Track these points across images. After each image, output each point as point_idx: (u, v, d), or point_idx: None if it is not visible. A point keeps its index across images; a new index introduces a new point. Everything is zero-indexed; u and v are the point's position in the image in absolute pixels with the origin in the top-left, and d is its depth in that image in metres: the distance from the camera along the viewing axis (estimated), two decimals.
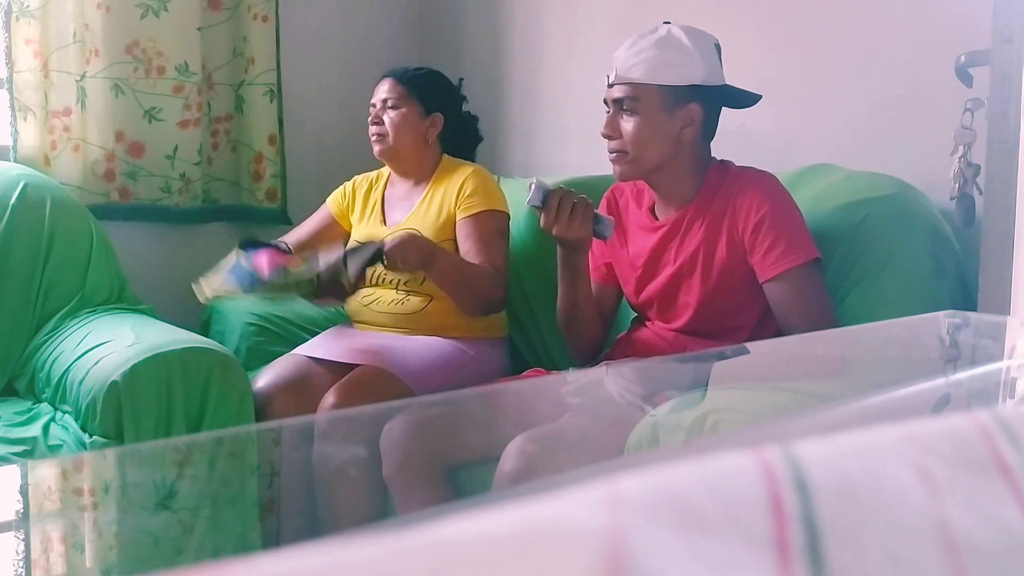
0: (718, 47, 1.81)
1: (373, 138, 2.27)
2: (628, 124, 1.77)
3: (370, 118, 2.29)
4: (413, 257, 1.98)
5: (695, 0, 2.36)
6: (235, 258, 2.03)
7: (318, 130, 2.96)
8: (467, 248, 2.15)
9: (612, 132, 1.79)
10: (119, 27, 2.57)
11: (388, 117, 2.26)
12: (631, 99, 1.77)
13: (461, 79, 2.46)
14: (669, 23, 1.80)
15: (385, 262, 1.97)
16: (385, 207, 2.32)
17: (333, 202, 2.39)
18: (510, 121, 2.90)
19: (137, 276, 2.47)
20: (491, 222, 2.19)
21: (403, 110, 2.25)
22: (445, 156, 2.32)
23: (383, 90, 2.29)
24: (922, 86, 1.95)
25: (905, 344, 1.09)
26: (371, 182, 2.38)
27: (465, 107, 2.43)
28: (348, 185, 2.40)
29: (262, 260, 2.02)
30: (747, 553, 0.33)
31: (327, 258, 1.98)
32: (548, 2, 2.78)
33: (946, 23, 1.89)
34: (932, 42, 1.92)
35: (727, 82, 1.83)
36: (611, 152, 1.81)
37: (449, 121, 2.31)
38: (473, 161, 2.41)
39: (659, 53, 1.76)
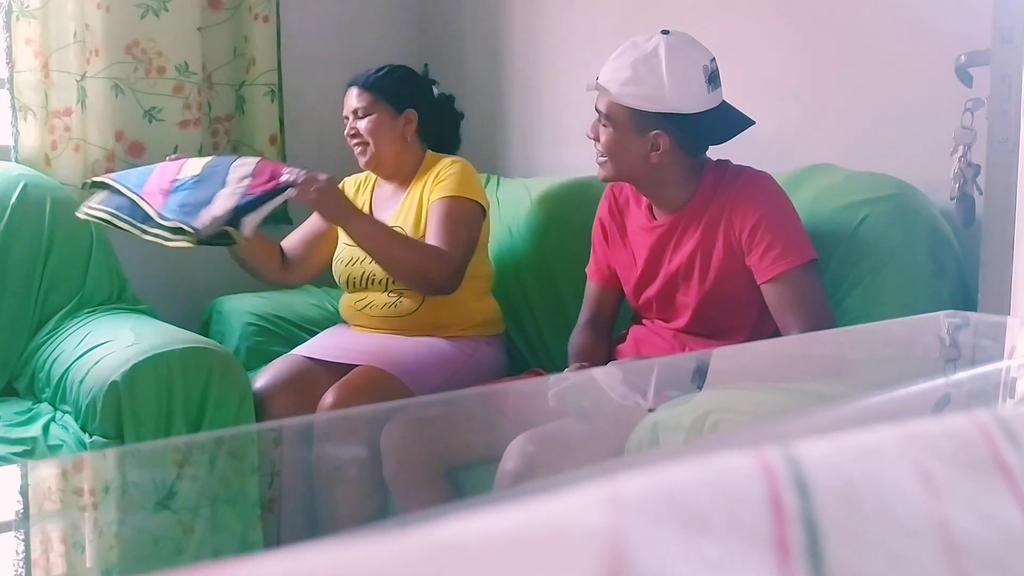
0: (708, 69, 1.75)
1: (356, 151, 2.25)
2: (603, 134, 1.80)
3: (345, 131, 2.26)
4: (331, 201, 2.00)
5: (696, 1, 2.36)
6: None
7: (319, 130, 2.95)
8: (429, 229, 2.13)
9: (593, 135, 1.82)
10: (119, 27, 2.57)
11: (362, 126, 2.23)
12: (604, 113, 1.79)
13: (426, 64, 2.41)
14: (667, 33, 1.76)
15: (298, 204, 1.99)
16: (373, 208, 2.31)
17: None
18: (510, 121, 2.90)
19: (137, 276, 2.46)
20: (457, 207, 2.14)
21: (374, 116, 2.22)
22: (429, 152, 2.30)
23: (351, 100, 2.25)
24: (922, 86, 1.95)
25: (905, 344, 1.09)
26: (359, 184, 2.37)
27: (438, 90, 2.37)
28: (341, 188, 2.40)
29: (153, 188, 2.00)
30: (747, 553, 0.33)
31: (213, 210, 1.92)
32: (548, 2, 2.78)
33: (946, 23, 1.89)
34: (932, 42, 1.91)
35: (732, 96, 1.81)
36: (595, 152, 1.84)
37: (423, 113, 2.28)
38: (459, 141, 2.39)
39: (632, 75, 1.74)
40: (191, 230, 1.89)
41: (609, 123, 1.78)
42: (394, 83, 2.26)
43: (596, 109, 1.81)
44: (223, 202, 1.93)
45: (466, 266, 2.14)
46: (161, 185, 2.01)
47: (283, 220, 2.83)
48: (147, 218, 1.97)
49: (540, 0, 2.80)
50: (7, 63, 2.48)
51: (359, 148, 2.24)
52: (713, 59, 1.77)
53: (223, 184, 1.98)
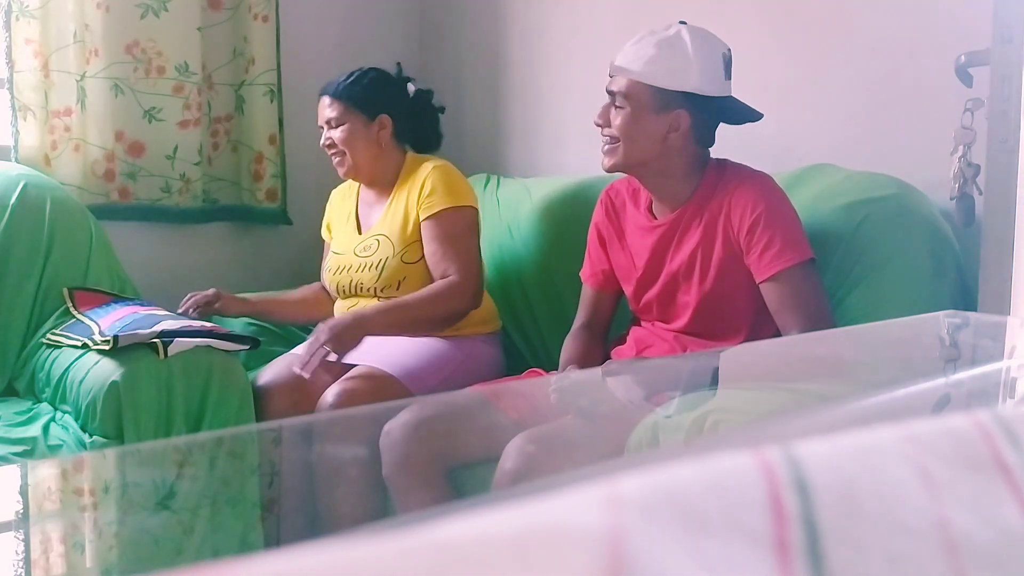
0: (726, 57, 1.78)
1: (334, 161, 2.26)
2: (617, 117, 1.78)
3: (321, 142, 2.26)
4: (346, 338, 2.00)
5: (696, 1, 2.36)
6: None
7: (318, 130, 2.95)
8: (432, 250, 2.15)
9: (602, 121, 1.81)
10: (119, 27, 2.57)
11: (336, 136, 2.23)
12: (622, 93, 1.78)
13: (399, 63, 2.37)
14: (684, 23, 1.78)
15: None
16: (359, 215, 2.31)
17: (325, 229, 2.41)
18: (510, 121, 2.90)
19: (137, 276, 2.47)
20: (453, 219, 2.15)
21: (347, 125, 2.22)
22: (409, 155, 2.29)
23: (324, 111, 2.25)
24: (922, 86, 1.95)
25: (905, 344, 1.09)
26: (344, 192, 2.38)
27: (415, 87, 2.35)
28: (328, 203, 2.41)
29: (112, 316, 2.04)
30: (747, 553, 0.33)
31: (149, 329, 1.93)
32: (548, 2, 2.78)
33: (946, 23, 1.89)
34: (932, 42, 1.91)
35: (733, 94, 1.81)
36: (602, 141, 1.82)
37: (398, 115, 2.26)
38: (440, 137, 2.37)
39: (656, 53, 1.75)
40: (112, 336, 1.90)
41: (627, 103, 1.77)
42: (364, 89, 2.24)
43: (609, 92, 1.80)
44: (164, 324, 1.96)
45: (482, 275, 2.17)
46: (119, 315, 2.05)
47: (283, 221, 2.83)
48: (90, 333, 2.00)
49: (540, 0, 2.80)
50: (7, 63, 2.47)
51: (336, 158, 2.25)
52: (729, 50, 1.79)
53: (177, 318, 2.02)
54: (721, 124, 1.83)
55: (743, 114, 1.82)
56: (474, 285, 2.13)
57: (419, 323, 2.09)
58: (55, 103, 2.53)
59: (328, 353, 1.97)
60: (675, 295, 1.83)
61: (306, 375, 1.96)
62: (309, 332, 2.41)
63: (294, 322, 2.30)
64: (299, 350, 2.21)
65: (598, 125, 1.82)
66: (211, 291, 2.17)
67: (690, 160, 1.79)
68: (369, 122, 2.23)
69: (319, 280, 2.41)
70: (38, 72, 2.50)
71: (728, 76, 1.79)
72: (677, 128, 1.76)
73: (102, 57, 2.55)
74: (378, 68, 2.31)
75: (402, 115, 2.27)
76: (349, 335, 1.99)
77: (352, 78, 2.25)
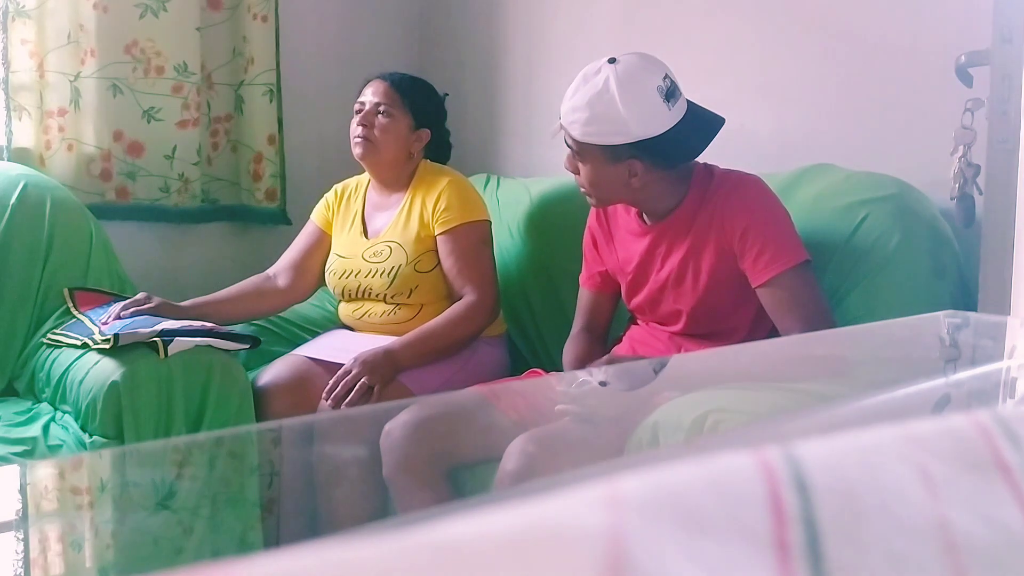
0: (664, 88, 1.71)
1: (356, 139, 2.23)
2: (581, 168, 1.78)
3: (357, 118, 2.24)
4: (383, 370, 2.02)
5: (695, 1, 2.36)
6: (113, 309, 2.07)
7: (317, 130, 2.96)
8: (449, 265, 2.16)
9: (571, 169, 1.81)
10: (118, 27, 2.57)
11: (378, 121, 2.22)
12: (575, 149, 1.77)
13: (446, 94, 2.42)
14: (614, 61, 1.72)
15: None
16: (365, 217, 2.31)
17: (319, 215, 2.37)
18: (510, 121, 2.90)
19: (137, 276, 2.47)
20: (470, 234, 2.18)
21: (395, 118, 2.22)
22: (423, 162, 2.30)
23: (377, 92, 2.24)
24: (922, 86, 1.95)
25: (905, 344, 1.09)
26: (350, 191, 2.36)
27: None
28: (330, 195, 2.38)
29: (110, 317, 2.05)
30: (747, 553, 0.33)
31: (150, 329, 1.94)
32: (548, 2, 2.78)
33: (946, 23, 1.89)
34: (932, 42, 1.91)
35: (690, 99, 1.76)
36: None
37: (435, 133, 2.30)
38: (450, 151, 2.41)
39: (590, 114, 1.71)
40: (113, 336, 1.90)
41: (582, 159, 1.76)
42: (424, 97, 2.29)
43: (567, 145, 1.79)
44: (164, 325, 1.96)
45: (497, 286, 2.21)
46: (119, 315, 2.05)
47: (283, 221, 2.84)
48: (90, 333, 2.01)
49: (540, 0, 2.80)
50: (2, 63, 2.47)
51: (361, 139, 2.22)
52: (666, 75, 1.73)
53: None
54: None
55: (704, 129, 1.77)
56: (491, 299, 2.17)
57: (447, 349, 2.12)
58: (49, 103, 2.53)
59: (364, 387, 1.97)
60: (667, 301, 1.83)
61: (339, 407, 1.96)
62: (307, 328, 2.42)
63: (234, 320, 2.23)
64: (305, 350, 2.21)
65: (569, 171, 1.81)
66: (141, 295, 2.12)
67: (666, 183, 1.76)
68: (413, 128, 2.25)
69: (279, 271, 2.35)
70: (33, 72, 2.50)
71: (674, 101, 1.72)
72: (636, 173, 1.73)
73: (99, 57, 2.55)
74: (433, 87, 2.36)
75: (437, 134, 2.31)
76: (381, 371, 2.00)
77: (417, 82, 2.31)
